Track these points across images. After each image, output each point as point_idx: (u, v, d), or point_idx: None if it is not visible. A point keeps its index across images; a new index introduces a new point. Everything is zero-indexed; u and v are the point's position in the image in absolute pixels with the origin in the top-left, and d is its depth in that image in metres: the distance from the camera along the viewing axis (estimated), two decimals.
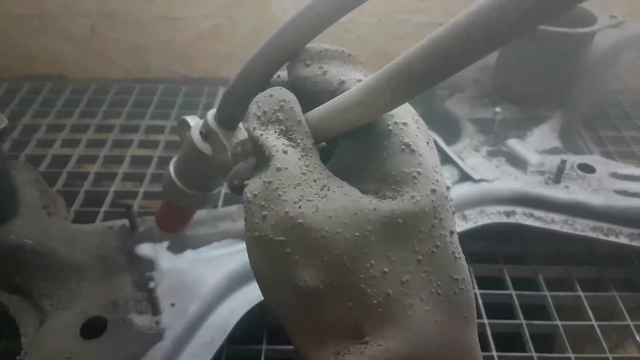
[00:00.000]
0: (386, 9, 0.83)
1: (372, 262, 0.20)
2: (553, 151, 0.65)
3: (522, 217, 0.56)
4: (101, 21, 0.85)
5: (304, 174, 0.21)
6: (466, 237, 0.54)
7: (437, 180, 0.21)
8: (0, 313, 0.45)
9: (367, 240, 0.20)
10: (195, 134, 0.34)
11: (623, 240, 0.54)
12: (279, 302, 0.21)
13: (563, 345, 0.48)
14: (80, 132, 0.75)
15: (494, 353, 0.47)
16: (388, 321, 0.19)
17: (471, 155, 0.63)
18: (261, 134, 0.22)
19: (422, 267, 0.20)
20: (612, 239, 0.54)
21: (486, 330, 0.49)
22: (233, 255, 0.48)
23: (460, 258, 0.21)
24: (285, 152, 0.21)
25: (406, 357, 0.19)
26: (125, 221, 0.50)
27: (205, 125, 0.32)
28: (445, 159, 0.62)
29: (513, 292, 0.53)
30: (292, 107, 0.22)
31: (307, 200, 0.20)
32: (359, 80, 0.22)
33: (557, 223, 0.55)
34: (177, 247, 0.49)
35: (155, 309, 0.43)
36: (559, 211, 0.56)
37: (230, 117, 0.31)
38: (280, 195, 0.20)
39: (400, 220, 0.20)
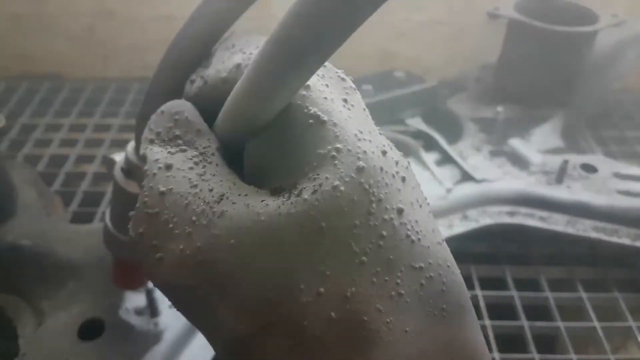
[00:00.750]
0: (386, 7, 0.83)
1: (302, 286, 0.15)
2: (555, 151, 0.64)
3: (524, 217, 0.56)
4: (99, 20, 0.85)
5: (195, 186, 0.17)
6: (468, 238, 0.54)
7: (365, 151, 0.16)
8: None
9: (287, 261, 0.15)
10: (117, 173, 0.30)
11: (626, 240, 0.53)
12: (223, 350, 0.17)
13: (565, 346, 0.48)
14: (78, 131, 0.75)
15: (496, 354, 0.47)
16: (356, 347, 0.15)
17: (473, 155, 0.63)
18: (142, 151, 0.18)
19: (368, 270, 0.15)
20: (614, 239, 0.53)
21: (488, 332, 0.49)
22: None
23: (420, 239, 0.16)
24: (168, 166, 0.17)
25: None
26: None
27: (126, 160, 0.29)
28: (447, 159, 0.62)
29: (515, 293, 0.53)
30: (187, 117, 0.19)
31: (201, 224, 0.16)
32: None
33: (559, 223, 0.55)
34: None
35: (153, 310, 0.42)
36: (561, 211, 0.56)
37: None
38: (172, 227, 0.16)
39: (323, 223, 0.15)
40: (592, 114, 0.77)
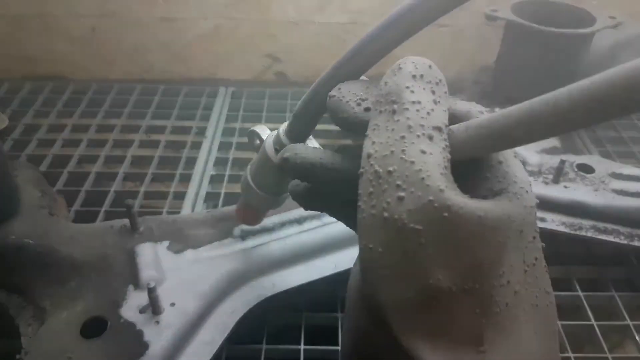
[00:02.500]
0: (386, 10, 0.83)
1: (504, 270, 0.18)
2: (552, 151, 0.65)
3: None
4: (102, 22, 0.86)
5: (446, 167, 0.19)
6: None
7: (529, 194, 0.21)
8: (0, 312, 0.45)
9: (504, 247, 0.18)
10: (269, 149, 0.36)
11: (622, 240, 0.54)
12: (393, 294, 0.18)
13: (562, 345, 0.48)
14: (81, 132, 0.76)
15: None
16: (503, 332, 0.19)
17: None
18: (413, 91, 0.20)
19: (527, 279, 0.19)
20: (611, 238, 0.54)
21: None
22: (233, 255, 0.48)
23: (547, 272, 0.21)
24: (430, 137, 0.19)
25: None
26: (126, 221, 0.50)
27: (278, 140, 0.35)
28: None
29: None
30: (445, 92, 0.21)
31: (453, 192, 0.18)
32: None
33: (556, 223, 0.55)
34: (178, 247, 0.49)
35: (155, 308, 0.43)
36: (558, 211, 0.56)
37: (299, 133, 0.33)
38: (423, 179, 0.18)
39: (522, 229, 0.19)
40: None
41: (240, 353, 0.47)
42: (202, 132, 0.76)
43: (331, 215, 0.27)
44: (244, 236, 0.50)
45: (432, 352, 0.18)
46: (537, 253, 0.20)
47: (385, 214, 0.18)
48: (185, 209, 0.62)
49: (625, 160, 0.70)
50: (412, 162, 0.18)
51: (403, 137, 0.19)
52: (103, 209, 0.61)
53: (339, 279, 0.49)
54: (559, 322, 0.50)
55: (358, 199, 0.19)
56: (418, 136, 0.19)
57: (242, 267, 0.47)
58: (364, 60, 0.26)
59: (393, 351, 0.19)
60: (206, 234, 0.50)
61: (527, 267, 0.20)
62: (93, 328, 0.42)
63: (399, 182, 0.18)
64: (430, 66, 0.21)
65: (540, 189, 0.58)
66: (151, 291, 0.42)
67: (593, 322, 0.50)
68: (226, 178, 0.68)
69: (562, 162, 0.58)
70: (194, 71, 0.91)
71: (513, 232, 0.19)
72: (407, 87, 0.20)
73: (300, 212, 0.52)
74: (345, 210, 0.26)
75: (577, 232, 0.54)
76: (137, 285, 0.45)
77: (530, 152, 0.63)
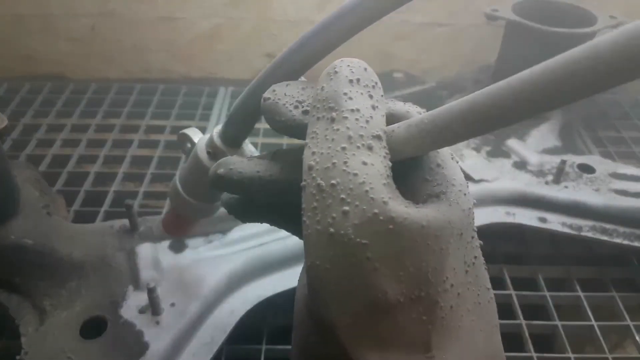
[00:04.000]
0: None
1: (447, 275, 0.19)
2: (553, 151, 0.65)
3: (521, 217, 0.56)
4: (101, 21, 0.86)
5: (388, 176, 0.19)
6: None
7: (468, 197, 0.21)
8: (0, 313, 0.45)
9: (446, 252, 0.19)
10: (202, 153, 0.34)
11: (623, 240, 0.54)
12: (341, 309, 0.18)
13: (563, 345, 0.48)
14: (80, 132, 0.76)
15: None
16: (450, 335, 0.19)
17: (471, 156, 0.63)
18: (349, 98, 0.20)
19: (468, 279, 0.20)
20: (611, 239, 0.54)
21: None
22: (233, 255, 0.48)
23: (487, 268, 0.21)
24: (370, 147, 0.19)
25: None
26: (126, 221, 0.50)
27: (212, 144, 0.33)
28: None
29: (513, 292, 0.53)
30: (381, 95, 0.21)
31: (397, 202, 0.18)
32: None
33: (556, 223, 0.55)
34: (177, 247, 0.49)
35: (155, 309, 0.43)
36: (558, 211, 0.56)
37: (235, 136, 0.31)
38: (367, 191, 0.18)
39: (462, 232, 0.19)
40: (589, 114, 0.77)
41: (240, 353, 0.47)
42: (202, 131, 0.76)
43: (271, 224, 0.27)
44: (244, 237, 0.50)
45: None
46: (476, 252, 0.21)
47: (331, 230, 0.18)
48: None
49: (626, 161, 0.70)
50: (355, 175, 0.18)
51: (344, 149, 0.19)
52: (103, 209, 0.61)
53: None
54: (559, 322, 0.50)
55: (302, 214, 0.19)
56: (358, 147, 0.19)
57: (242, 267, 0.47)
58: (303, 60, 0.24)
59: None
60: (206, 234, 0.50)
61: (468, 268, 0.20)
62: (93, 328, 0.42)
63: (343, 196, 0.18)
64: (365, 69, 0.21)
65: (541, 189, 0.58)
66: (151, 291, 0.42)
67: (593, 322, 0.50)
68: None
69: (563, 162, 0.58)
70: (194, 71, 0.91)
71: (454, 237, 0.19)
72: (345, 94, 0.20)
73: None
74: (285, 220, 0.26)
75: (578, 232, 0.54)
76: (136, 285, 0.45)
77: (531, 152, 0.63)
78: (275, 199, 0.24)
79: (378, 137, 0.19)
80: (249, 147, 0.33)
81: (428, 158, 0.21)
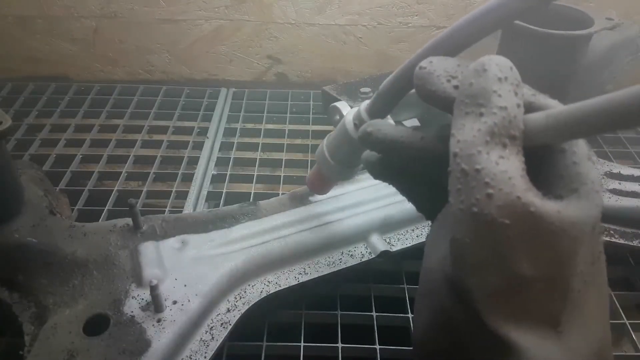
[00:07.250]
0: (385, 12, 0.84)
1: (578, 261, 0.21)
2: None
3: None
4: (104, 23, 0.86)
5: (524, 169, 0.20)
6: None
7: (601, 194, 0.22)
8: (3, 311, 0.46)
9: (581, 240, 0.20)
10: (349, 124, 0.38)
11: (619, 239, 0.54)
12: (481, 281, 0.20)
13: None
14: (84, 132, 0.76)
15: None
16: (577, 315, 0.21)
17: None
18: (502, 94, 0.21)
19: (593, 269, 0.22)
20: (607, 238, 0.54)
21: None
22: (234, 254, 0.49)
23: (606, 265, 0.23)
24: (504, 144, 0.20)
25: (591, 354, 0.21)
26: (129, 219, 0.51)
27: (359, 116, 0.36)
28: None
29: None
30: (523, 93, 0.22)
31: (533, 192, 0.20)
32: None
33: None
34: (180, 245, 0.49)
35: (157, 306, 0.43)
36: None
37: (381, 110, 0.34)
38: (510, 178, 0.19)
39: (593, 226, 0.21)
40: None
41: (241, 350, 0.47)
42: (203, 132, 0.77)
43: (397, 187, 0.30)
44: (245, 236, 0.51)
45: (515, 331, 0.20)
46: (601, 247, 0.22)
47: (475, 209, 0.19)
48: (187, 208, 0.62)
49: (622, 161, 0.70)
50: (497, 164, 0.20)
51: (487, 142, 0.20)
52: (106, 208, 0.61)
53: (338, 277, 0.49)
54: None
55: (448, 195, 0.21)
56: (501, 142, 0.20)
57: (243, 265, 0.48)
58: (456, 43, 0.26)
59: (475, 329, 0.21)
60: (208, 233, 0.51)
61: (594, 260, 0.22)
62: (95, 325, 0.42)
63: (487, 180, 0.19)
64: (511, 67, 0.23)
65: None
66: (153, 289, 0.42)
67: None
68: (227, 177, 0.68)
69: None
70: (196, 72, 0.92)
71: (587, 229, 0.21)
72: (495, 91, 0.21)
73: (300, 212, 0.53)
74: (410, 186, 0.29)
75: None
76: (139, 283, 0.45)
77: None
78: (410, 163, 0.27)
79: (516, 137, 0.21)
80: (390, 121, 0.36)
81: (564, 156, 0.22)
